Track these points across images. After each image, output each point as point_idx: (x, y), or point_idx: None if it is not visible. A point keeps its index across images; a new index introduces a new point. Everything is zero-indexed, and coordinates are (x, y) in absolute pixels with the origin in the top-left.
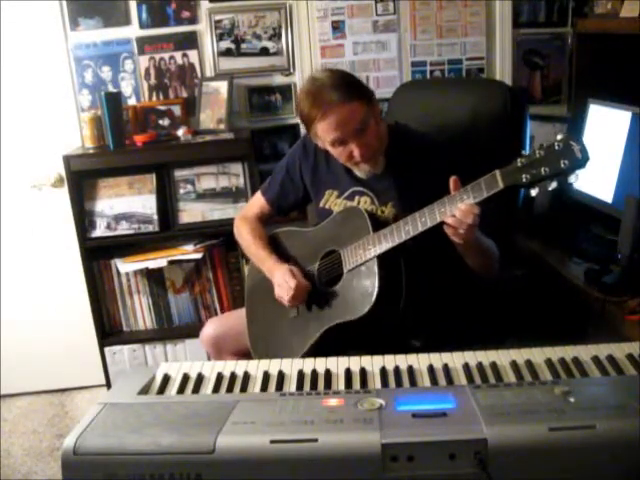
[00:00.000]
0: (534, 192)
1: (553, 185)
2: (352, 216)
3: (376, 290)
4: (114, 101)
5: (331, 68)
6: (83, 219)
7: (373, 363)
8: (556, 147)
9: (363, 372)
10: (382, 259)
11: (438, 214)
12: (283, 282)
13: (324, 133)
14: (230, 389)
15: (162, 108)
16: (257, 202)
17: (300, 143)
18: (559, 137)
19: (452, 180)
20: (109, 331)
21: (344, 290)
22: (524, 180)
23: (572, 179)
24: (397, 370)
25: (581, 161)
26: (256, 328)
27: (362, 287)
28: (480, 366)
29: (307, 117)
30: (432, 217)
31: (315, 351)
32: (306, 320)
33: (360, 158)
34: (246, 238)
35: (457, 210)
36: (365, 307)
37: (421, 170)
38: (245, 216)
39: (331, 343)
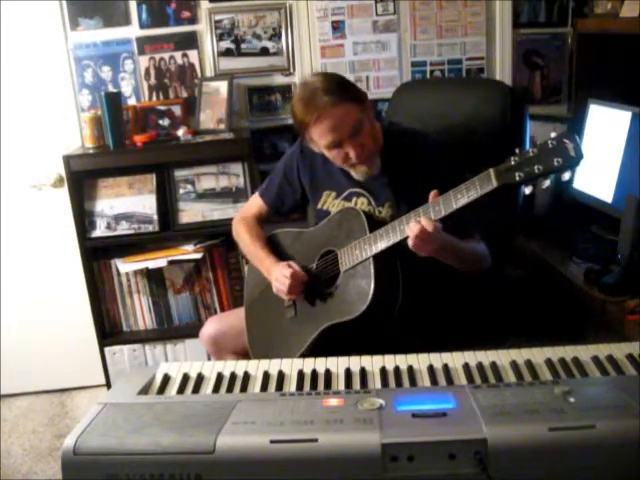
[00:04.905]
0: (528, 190)
1: (547, 183)
2: (349, 217)
3: (372, 290)
4: (114, 101)
5: (322, 72)
6: (83, 219)
7: (373, 363)
8: (549, 145)
9: (363, 372)
10: (378, 259)
11: (433, 213)
12: (280, 276)
13: (319, 137)
14: (230, 389)
15: (162, 108)
16: (255, 203)
17: (297, 145)
18: (552, 135)
19: (432, 194)
20: (109, 331)
21: (341, 290)
22: (517, 178)
23: (565, 177)
24: (397, 370)
25: (575, 159)
26: (255, 329)
27: (358, 287)
28: (480, 366)
29: (301, 123)
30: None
31: (313, 352)
32: (303, 320)
33: (356, 159)
34: (244, 238)
35: (412, 221)
36: (361, 307)
37: (417, 168)
38: (243, 217)
39: (329, 344)
